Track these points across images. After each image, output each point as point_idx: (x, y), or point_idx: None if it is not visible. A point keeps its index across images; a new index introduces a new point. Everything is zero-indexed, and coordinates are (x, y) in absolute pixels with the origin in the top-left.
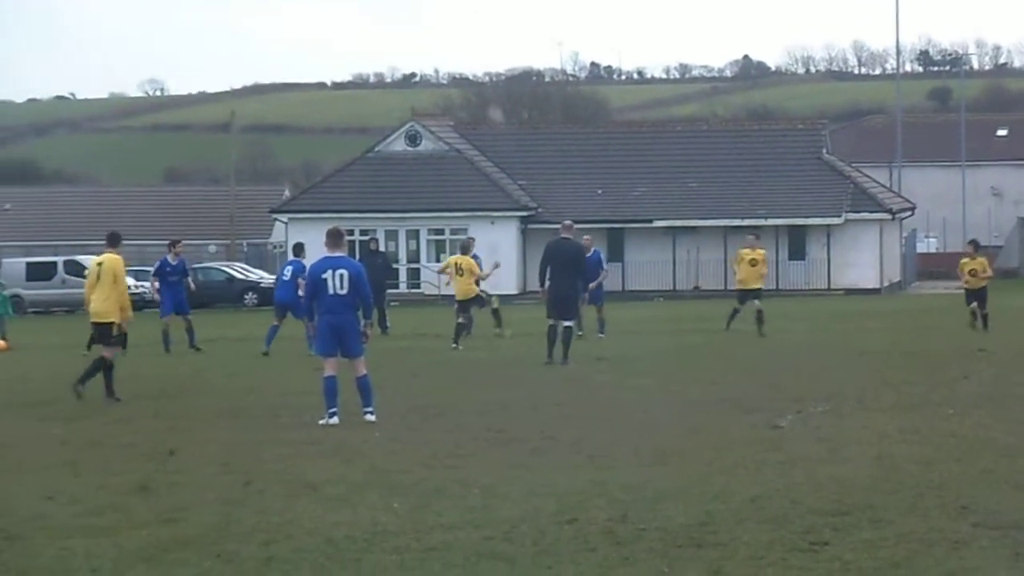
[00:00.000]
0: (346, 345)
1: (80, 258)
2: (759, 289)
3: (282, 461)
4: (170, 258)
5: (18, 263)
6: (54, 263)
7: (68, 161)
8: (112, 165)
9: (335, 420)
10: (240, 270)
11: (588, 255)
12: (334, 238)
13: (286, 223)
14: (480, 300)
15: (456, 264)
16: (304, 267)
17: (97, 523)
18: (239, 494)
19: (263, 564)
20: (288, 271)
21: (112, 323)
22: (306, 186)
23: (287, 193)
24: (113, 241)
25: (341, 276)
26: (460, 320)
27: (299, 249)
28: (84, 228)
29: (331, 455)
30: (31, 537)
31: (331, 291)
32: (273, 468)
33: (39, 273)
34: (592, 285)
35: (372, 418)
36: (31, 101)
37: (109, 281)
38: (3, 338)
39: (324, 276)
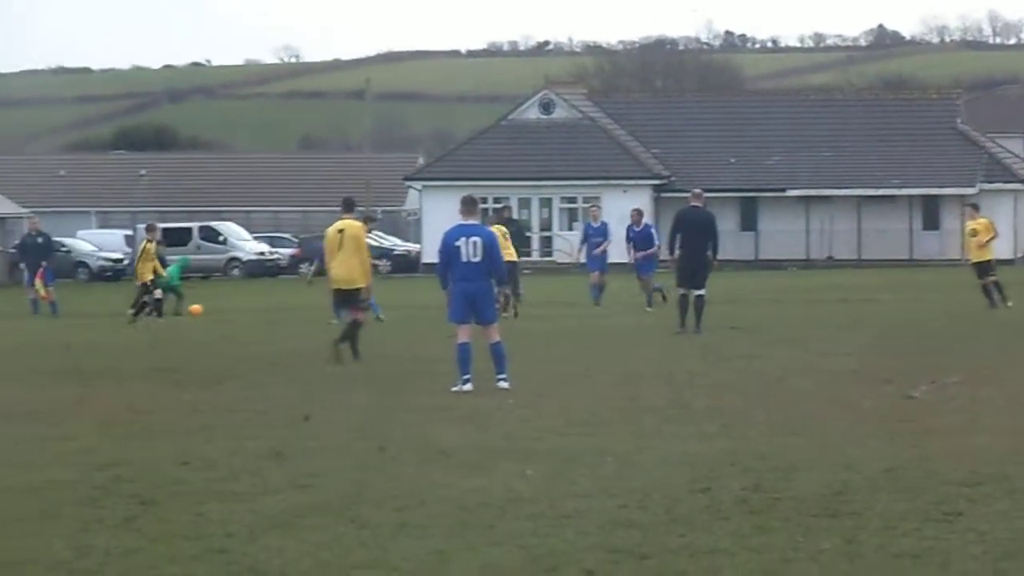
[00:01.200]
0: (479, 312)
1: (215, 224)
2: (985, 261)
3: (415, 427)
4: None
5: None
6: (189, 229)
7: (203, 128)
8: (247, 132)
9: (468, 387)
10: (375, 237)
11: (638, 229)
12: (468, 205)
13: (420, 190)
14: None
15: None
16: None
17: (232, 488)
18: (373, 460)
19: (396, 530)
20: None
21: (360, 288)
22: (439, 154)
23: (421, 161)
24: (348, 207)
25: (475, 244)
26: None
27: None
28: (219, 194)
29: (464, 422)
30: (167, 502)
31: (464, 258)
32: (407, 434)
33: (174, 239)
34: (639, 255)
35: (505, 385)
36: (167, 67)
37: (352, 247)
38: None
39: (457, 243)
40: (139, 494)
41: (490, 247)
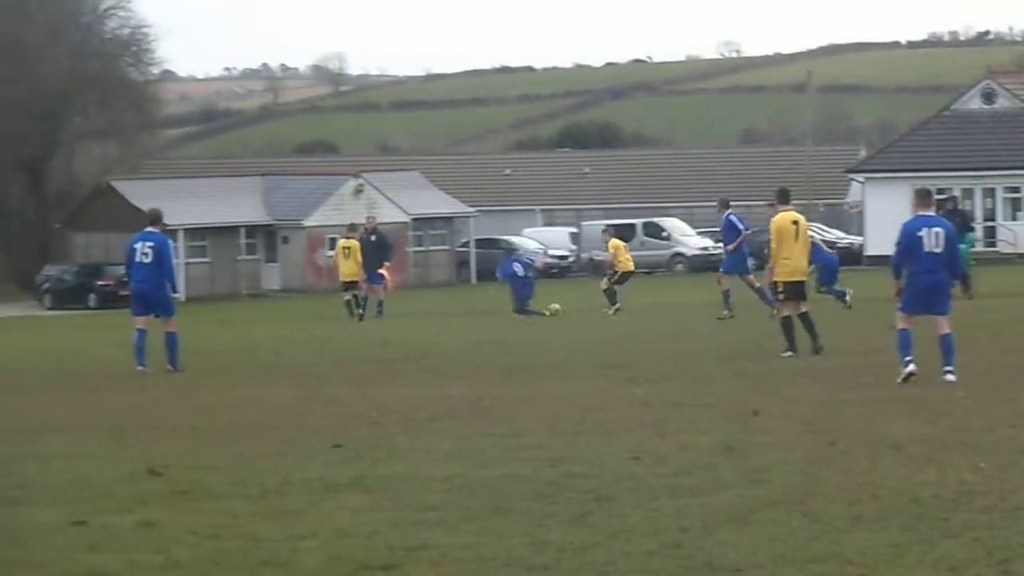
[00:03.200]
0: (936, 303)
1: (658, 220)
2: None
3: (864, 421)
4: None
5: (598, 226)
6: (633, 225)
7: (645, 124)
8: (688, 127)
9: (911, 368)
10: (817, 230)
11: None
12: (924, 197)
13: (862, 183)
14: None
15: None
16: None
17: (684, 483)
18: (823, 454)
19: (850, 524)
20: None
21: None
22: (881, 146)
23: (863, 153)
24: (785, 197)
25: (937, 234)
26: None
27: None
28: (662, 190)
29: (913, 414)
30: (620, 498)
31: (927, 248)
32: (856, 428)
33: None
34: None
35: (952, 378)
36: (609, 65)
37: (805, 239)
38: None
39: (920, 234)
40: (592, 489)
41: (949, 238)
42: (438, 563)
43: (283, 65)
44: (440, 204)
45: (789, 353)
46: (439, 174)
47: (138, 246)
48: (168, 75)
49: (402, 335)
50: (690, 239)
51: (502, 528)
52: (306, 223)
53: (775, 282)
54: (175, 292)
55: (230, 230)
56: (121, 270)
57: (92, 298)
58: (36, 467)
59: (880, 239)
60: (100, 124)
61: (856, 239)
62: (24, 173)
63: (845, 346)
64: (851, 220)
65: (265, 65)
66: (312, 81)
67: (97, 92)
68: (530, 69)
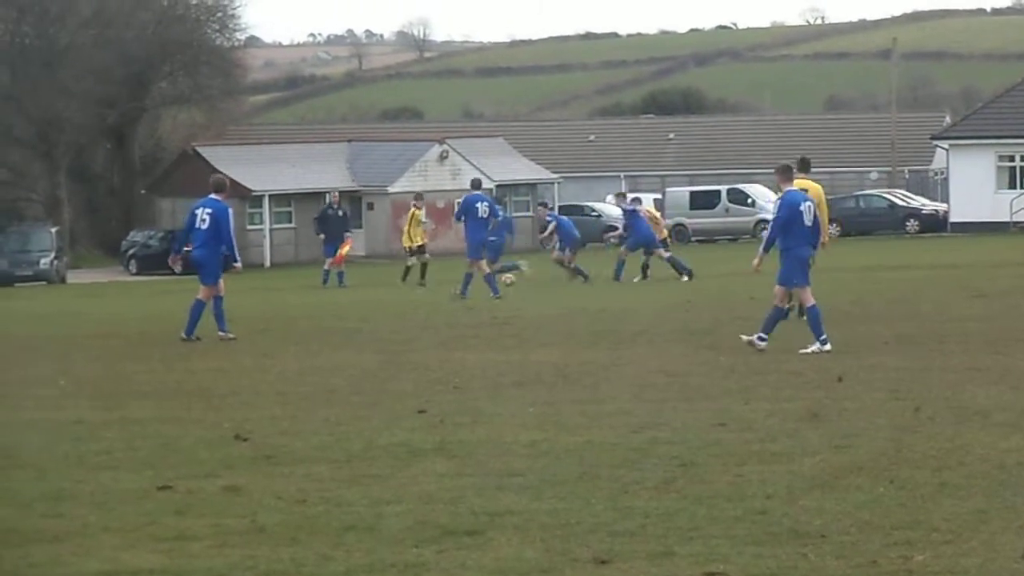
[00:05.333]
0: (806, 275)
1: (743, 187)
2: None
3: (950, 388)
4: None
5: (682, 192)
6: (717, 192)
7: (730, 90)
8: (773, 93)
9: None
10: (901, 197)
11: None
12: (798, 169)
13: (947, 149)
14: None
15: None
16: None
17: (770, 449)
18: (909, 420)
19: (936, 490)
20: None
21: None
22: (966, 112)
23: (947, 120)
24: (806, 166)
25: (809, 208)
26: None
27: None
28: (746, 157)
29: (998, 382)
30: (705, 464)
31: (806, 222)
32: (941, 395)
33: (702, 202)
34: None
35: (815, 349)
36: (693, 31)
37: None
38: None
39: (801, 208)
40: (678, 456)
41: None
42: (523, 528)
43: (368, 31)
44: (524, 170)
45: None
46: (523, 140)
47: (198, 212)
48: (253, 41)
49: (487, 302)
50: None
51: (587, 494)
52: (391, 189)
53: None
54: (236, 262)
55: (315, 196)
56: None
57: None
58: (122, 432)
59: (964, 206)
60: (185, 90)
61: (941, 206)
62: (110, 139)
63: (928, 312)
64: (936, 187)
65: (350, 31)
66: (397, 47)
67: (182, 58)
68: (615, 35)
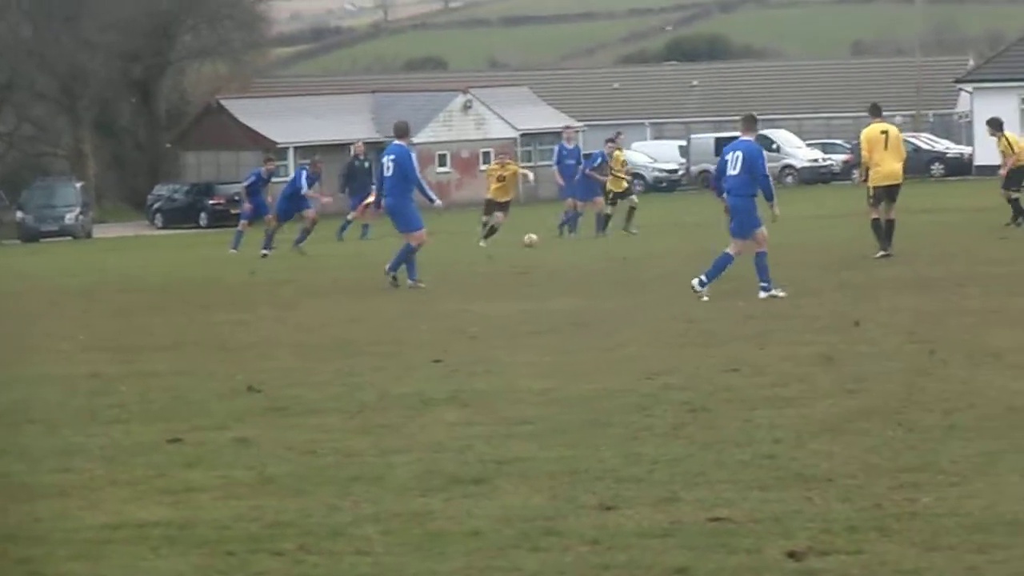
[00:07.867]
0: (734, 224)
1: (768, 132)
2: None
3: (967, 330)
4: None
5: (706, 139)
6: None
7: (755, 36)
8: (798, 39)
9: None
10: (926, 140)
11: None
12: (748, 123)
13: (971, 93)
14: None
15: None
16: None
17: (781, 394)
18: (923, 363)
19: (944, 432)
20: None
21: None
22: (990, 55)
23: (971, 63)
24: (876, 111)
25: (736, 158)
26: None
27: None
28: (771, 103)
29: (1016, 324)
30: (716, 409)
31: (728, 171)
32: (958, 337)
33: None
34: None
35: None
36: None
37: (896, 146)
38: None
39: (726, 158)
40: (688, 401)
41: (748, 161)
42: (530, 476)
43: None
44: (549, 119)
45: (881, 253)
46: (548, 89)
47: (384, 160)
48: None
49: (506, 251)
50: (799, 151)
51: (596, 441)
52: (415, 140)
53: (868, 187)
54: (432, 202)
55: (341, 147)
56: (232, 188)
57: (203, 217)
58: (136, 385)
59: (989, 149)
60: (210, 43)
61: (965, 149)
62: (135, 93)
63: (954, 253)
64: (960, 130)
65: None
66: None
67: (207, 11)
68: None
